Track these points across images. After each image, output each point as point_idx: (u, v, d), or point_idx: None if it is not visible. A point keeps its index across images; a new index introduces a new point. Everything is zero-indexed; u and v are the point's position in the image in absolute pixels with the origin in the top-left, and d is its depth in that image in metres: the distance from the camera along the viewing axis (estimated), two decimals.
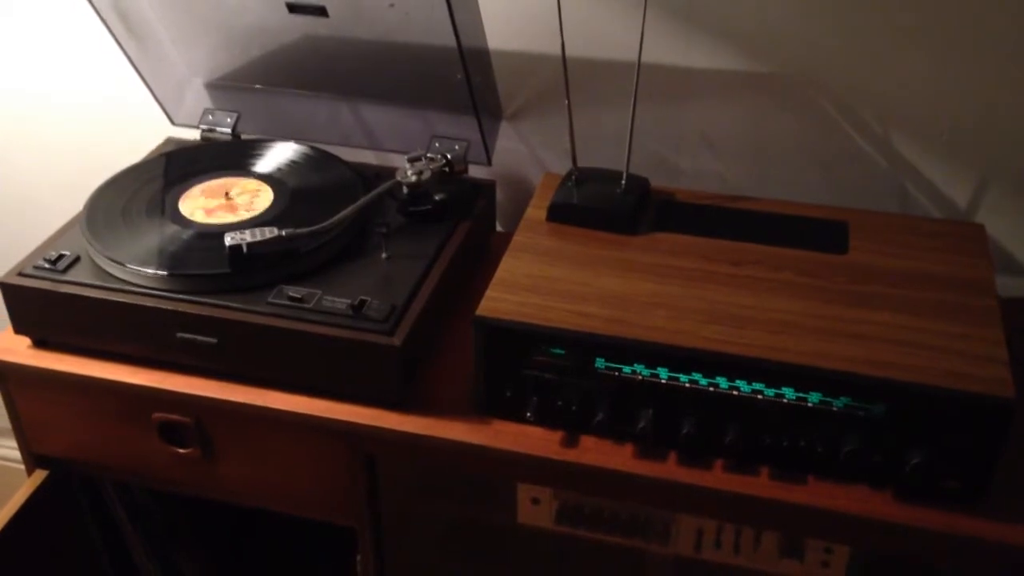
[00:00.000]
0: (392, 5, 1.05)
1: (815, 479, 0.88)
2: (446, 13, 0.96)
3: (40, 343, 1.03)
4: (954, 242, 1.00)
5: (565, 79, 1.01)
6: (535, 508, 1.05)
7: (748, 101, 1.13)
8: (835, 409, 0.85)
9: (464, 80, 1.04)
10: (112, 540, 1.23)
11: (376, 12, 1.07)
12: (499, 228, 1.25)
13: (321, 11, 1.08)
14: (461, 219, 1.09)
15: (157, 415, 1.01)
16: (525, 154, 1.25)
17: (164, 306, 0.96)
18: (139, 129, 1.31)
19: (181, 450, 1.03)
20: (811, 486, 0.88)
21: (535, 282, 0.95)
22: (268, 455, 1.01)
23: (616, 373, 0.89)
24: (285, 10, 1.09)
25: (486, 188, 1.16)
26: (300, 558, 1.42)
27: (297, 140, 1.20)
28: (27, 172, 1.47)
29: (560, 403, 0.91)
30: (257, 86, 1.24)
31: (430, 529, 1.11)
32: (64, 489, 1.14)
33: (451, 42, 1.00)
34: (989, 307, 0.90)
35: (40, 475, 1.11)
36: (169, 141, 1.26)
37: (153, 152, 1.23)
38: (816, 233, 1.02)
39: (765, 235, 1.01)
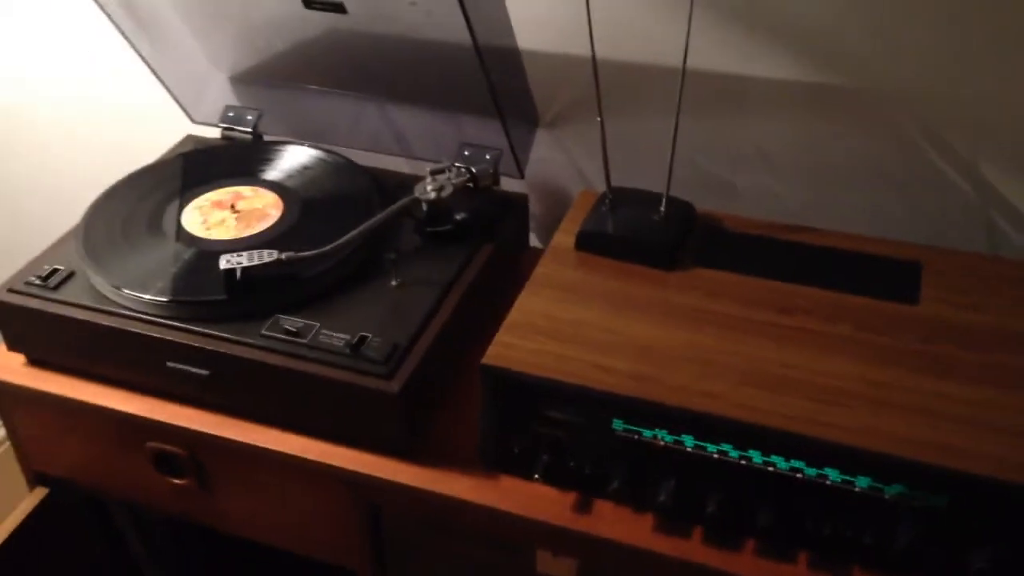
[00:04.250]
0: (413, 3, 0.95)
1: (861, 572, 0.76)
2: (460, 9, 0.86)
3: (35, 362, 0.98)
4: None
5: (597, 92, 0.90)
6: (555, 561, 0.96)
7: (814, 115, 1.00)
8: (887, 497, 0.73)
9: (485, 82, 0.94)
10: (119, 560, 1.18)
11: (396, 10, 0.97)
12: (537, 243, 1.15)
13: (339, 8, 0.99)
14: (485, 241, 0.99)
15: (151, 444, 0.94)
16: (565, 164, 1.14)
17: (153, 333, 0.89)
18: (162, 124, 1.24)
19: (177, 480, 0.96)
20: None
21: (553, 325, 0.84)
22: (264, 492, 0.94)
23: (636, 436, 0.78)
24: (301, 5, 1.00)
25: (517, 204, 1.06)
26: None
27: (321, 143, 1.11)
28: (58, 167, 1.42)
29: (573, 464, 0.82)
30: (281, 82, 1.16)
31: (439, 573, 1.03)
32: (67, 507, 1.09)
33: (468, 40, 0.90)
34: None
35: (40, 492, 1.06)
36: (189, 139, 1.19)
37: (170, 151, 1.16)
38: (883, 276, 0.89)
39: (822, 276, 0.88)
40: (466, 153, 1.05)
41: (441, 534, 0.99)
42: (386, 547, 0.97)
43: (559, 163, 1.13)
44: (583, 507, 0.82)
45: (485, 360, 0.81)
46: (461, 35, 0.90)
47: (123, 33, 1.07)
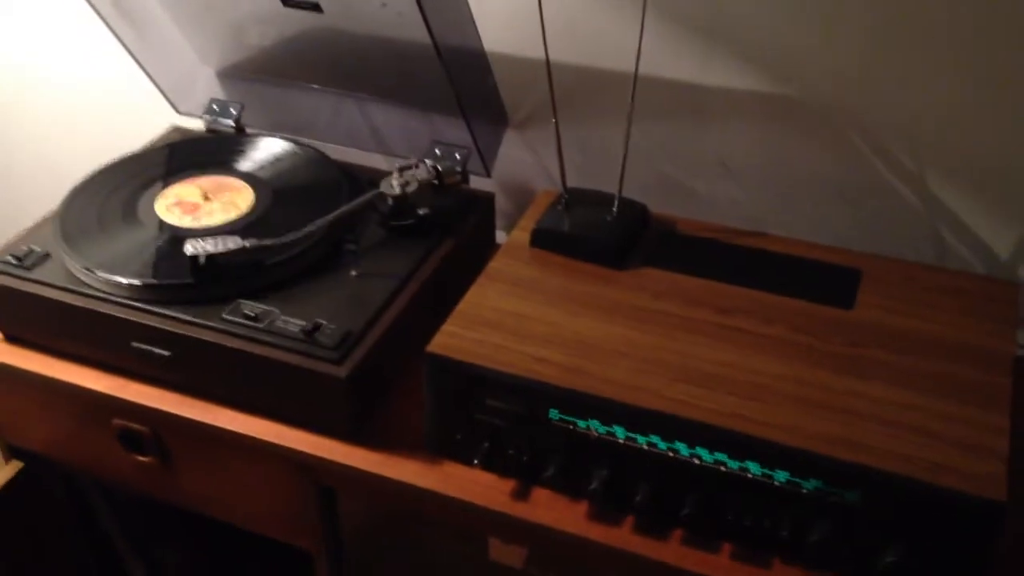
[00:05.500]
0: (384, 4, 0.98)
1: (781, 563, 0.79)
2: (419, 12, 0.90)
3: (11, 338, 1.01)
4: (979, 303, 0.88)
5: (551, 95, 0.93)
6: (506, 548, 0.99)
7: (770, 125, 1.03)
8: (804, 491, 0.75)
9: (447, 81, 0.97)
10: (92, 534, 1.22)
11: (368, 10, 1.00)
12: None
13: (315, 7, 1.03)
14: (446, 236, 1.02)
15: (117, 422, 0.98)
16: (534, 164, 1.17)
17: (118, 314, 0.92)
18: (154, 115, 1.28)
19: (141, 458, 1.00)
20: (776, 571, 0.79)
21: (500, 317, 0.88)
22: (224, 472, 0.98)
23: (571, 427, 0.81)
24: (279, 2, 1.04)
25: (483, 201, 1.09)
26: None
27: (301, 137, 1.15)
28: (54, 156, 1.46)
29: (511, 452, 0.85)
30: (265, 77, 1.19)
31: (396, 558, 1.06)
32: (42, 481, 1.13)
33: (430, 40, 0.93)
34: (999, 386, 0.79)
35: (15, 466, 1.10)
36: (176, 130, 1.23)
37: (154, 142, 1.20)
38: (823, 281, 0.91)
39: (765, 280, 0.91)
40: (437, 151, 1.08)
41: (396, 520, 1.03)
42: (343, 531, 1.00)
43: (528, 163, 1.17)
44: (521, 494, 0.85)
45: (429, 348, 0.84)
46: (425, 36, 0.93)
47: (109, 26, 1.11)
